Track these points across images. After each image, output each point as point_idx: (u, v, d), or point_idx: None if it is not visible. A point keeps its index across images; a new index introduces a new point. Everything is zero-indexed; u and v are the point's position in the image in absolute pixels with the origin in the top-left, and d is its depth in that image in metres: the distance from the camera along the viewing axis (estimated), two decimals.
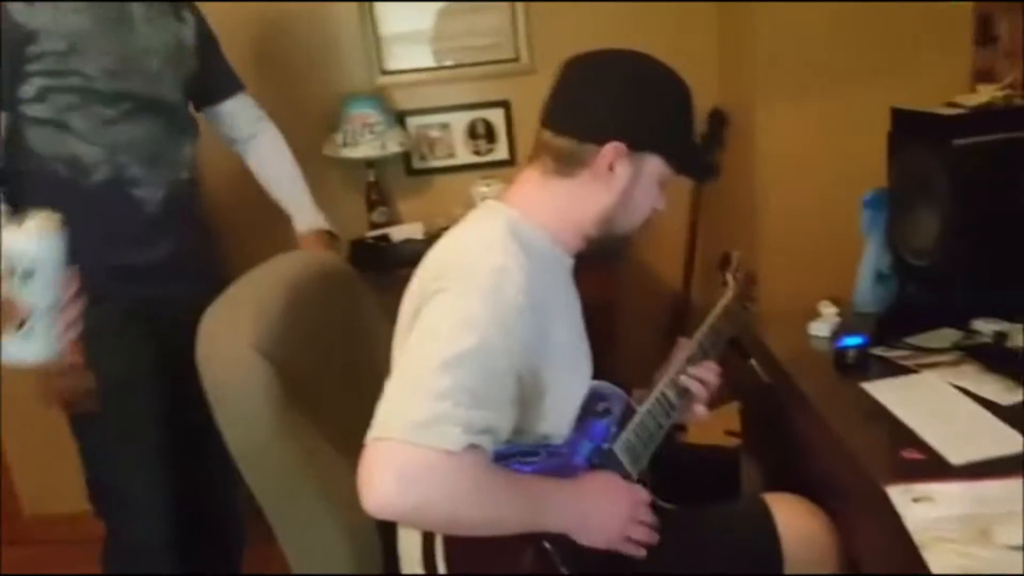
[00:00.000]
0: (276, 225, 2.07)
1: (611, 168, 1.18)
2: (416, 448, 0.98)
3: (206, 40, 1.87)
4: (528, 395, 1.13)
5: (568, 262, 1.26)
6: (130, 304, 1.68)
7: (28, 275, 1.33)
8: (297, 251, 1.50)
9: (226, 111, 1.96)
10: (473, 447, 1.01)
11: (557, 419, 1.19)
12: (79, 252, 1.51)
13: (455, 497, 1.01)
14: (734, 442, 2.01)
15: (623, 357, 2.46)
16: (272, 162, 2.03)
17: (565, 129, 1.19)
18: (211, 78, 1.89)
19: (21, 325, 1.33)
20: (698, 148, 1.26)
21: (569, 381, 1.21)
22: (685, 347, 1.41)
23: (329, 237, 2.02)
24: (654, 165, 1.20)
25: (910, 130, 1.62)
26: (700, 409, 1.36)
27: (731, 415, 2.11)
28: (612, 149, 1.16)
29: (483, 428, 1.02)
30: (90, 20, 1.60)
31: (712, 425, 2.27)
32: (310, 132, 2.57)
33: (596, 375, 1.27)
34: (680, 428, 2.44)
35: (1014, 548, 0.98)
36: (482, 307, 1.06)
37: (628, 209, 1.21)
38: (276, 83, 2.58)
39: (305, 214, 2.01)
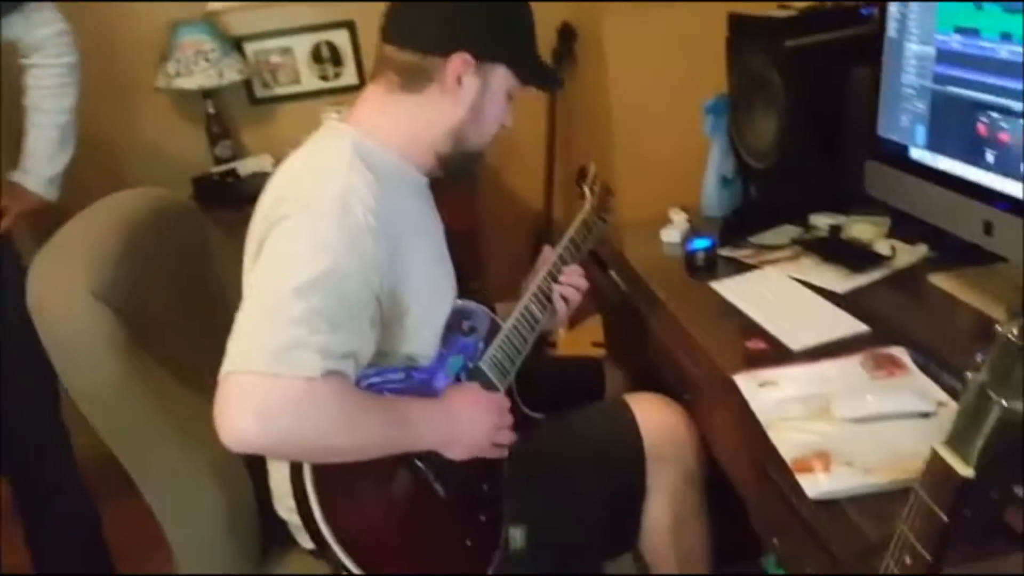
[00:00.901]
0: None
1: (459, 81, 1.15)
2: (274, 379, 0.96)
3: None
4: (388, 316, 1.12)
5: (421, 180, 1.24)
6: None
7: None
8: (129, 190, 1.40)
9: (6, 29, 1.66)
10: (333, 373, 0.99)
11: (421, 339, 1.19)
12: None
13: (319, 425, 1.00)
14: (601, 353, 2.08)
15: (490, 277, 2.49)
16: (37, 97, 1.73)
17: (409, 43, 1.15)
18: None
19: None
20: (541, 58, 1.25)
21: (431, 300, 1.20)
22: (547, 260, 1.43)
23: (21, 199, 1.74)
24: (501, 76, 1.19)
25: (746, 34, 1.67)
26: (563, 316, 1.38)
27: (597, 328, 2.18)
28: (459, 61, 1.14)
29: (342, 353, 1.01)
30: None
31: (579, 338, 2.35)
32: (140, 63, 2.40)
33: (463, 295, 1.28)
34: (551, 344, 2.50)
35: (851, 420, 1.05)
36: (331, 230, 1.03)
37: (478, 123, 1.20)
38: (101, 12, 2.37)
39: (30, 164, 1.74)
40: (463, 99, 1.17)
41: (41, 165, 1.70)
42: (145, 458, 1.20)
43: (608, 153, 2.36)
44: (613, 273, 1.71)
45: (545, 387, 1.42)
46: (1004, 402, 0.62)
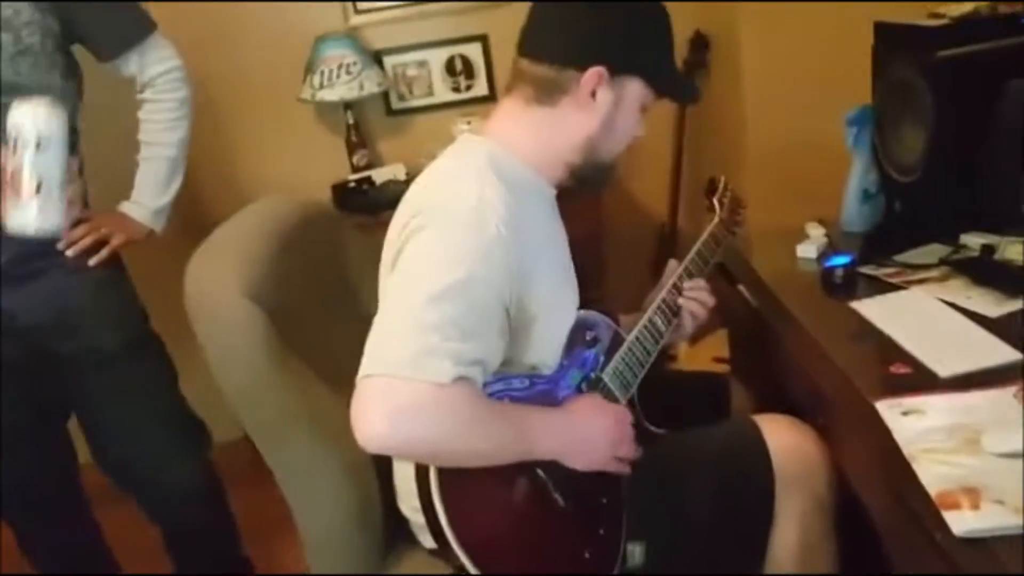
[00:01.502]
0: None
1: (593, 94, 1.16)
2: (406, 382, 0.98)
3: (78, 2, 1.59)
4: (515, 325, 1.13)
5: (551, 192, 1.25)
6: None
7: (43, 147, 1.43)
8: (276, 195, 1.47)
9: (123, 67, 1.70)
10: (463, 379, 1.01)
11: (545, 349, 1.19)
12: None
13: (447, 429, 1.02)
14: (723, 368, 2.03)
15: (612, 287, 2.48)
16: (149, 131, 1.75)
17: (544, 56, 1.17)
18: (97, 30, 1.64)
19: (32, 194, 1.44)
20: (678, 70, 1.24)
21: (556, 311, 1.20)
22: (673, 272, 1.42)
23: (125, 228, 1.73)
24: (636, 89, 1.19)
25: (893, 44, 1.59)
26: (688, 331, 1.37)
27: (719, 342, 2.13)
28: (594, 74, 1.14)
29: (472, 360, 1.02)
30: None
31: (701, 353, 2.30)
32: (286, 77, 2.53)
33: (584, 305, 1.28)
34: (670, 358, 2.47)
35: (1002, 455, 0.99)
36: (465, 240, 1.05)
37: (611, 136, 1.20)
38: (249, 28, 2.52)
39: (140, 196, 1.76)
40: (597, 112, 1.17)
41: (149, 197, 1.74)
42: (285, 450, 1.26)
43: (741, 163, 2.32)
44: (742, 288, 1.66)
45: (668, 401, 1.40)
46: None
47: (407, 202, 1.16)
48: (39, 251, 1.59)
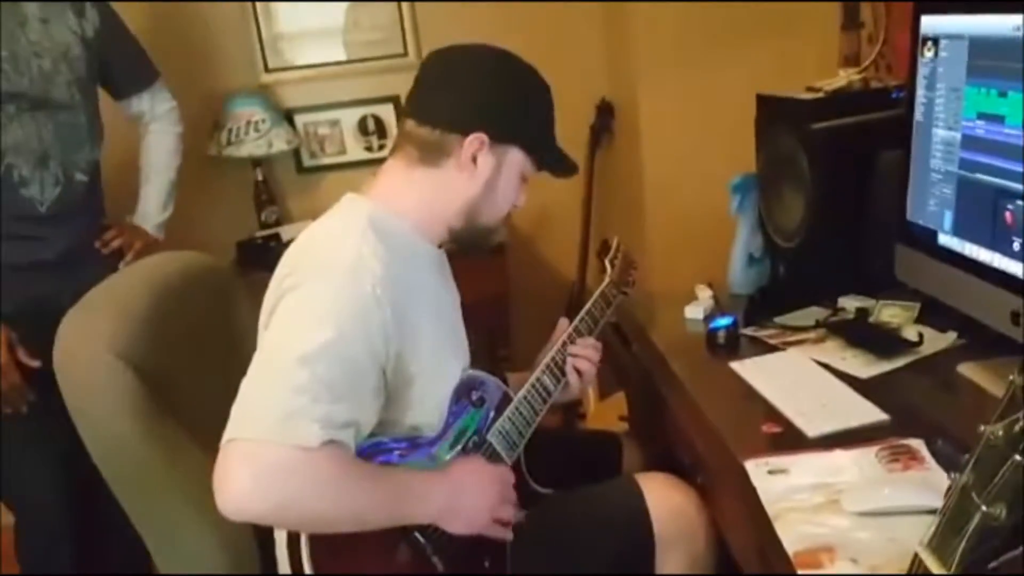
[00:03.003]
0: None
1: (474, 159, 1.18)
2: (273, 446, 0.97)
3: (112, 36, 1.88)
4: (393, 386, 1.12)
5: (433, 252, 1.26)
6: (24, 302, 1.70)
7: None
8: (161, 253, 1.45)
9: (136, 104, 2.02)
10: (333, 442, 1.00)
11: (426, 410, 1.19)
12: None
13: (315, 495, 1.00)
14: (624, 428, 2.05)
15: (520, 346, 2.49)
16: (155, 158, 2.08)
17: (429, 119, 1.19)
18: (120, 73, 1.94)
19: None
20: (556, 144, 1.27)
21: (437, 371, 1.20)
22: (563, 331, 1.43)
23: (142, 236, 2.02)
24: (516, 158, 1.21)
25: (773, 115, 1.67)
26: (575, 389, 1.38)
27: (624, 401, 2.15)
28: (475, 140, 1.17)
29: (343, 423, 1.01)
30: None
31: (608, 411, 2.32)
32: (194, 131, 2.50)
33: (489, 365, 1.28)
34: (580, 416, 2.48)
35: (861, 514, 1.01)
36: (338, 299, 1.05)
37: (491, 201, 1.22)
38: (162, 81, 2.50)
39: (148, 213, 2.06)
40: (478, 176, 1.19)
41: (156, 212, 2.05)
42: (153, 518, 1.22)
43: (640, 226, 2.38)
44: (635, 348, 1.69)
45: (560, 460, 1.41)
46: (984, 507, 0.59)
47: (285, 259, 1.16)
48: (86, 247, 1.84)
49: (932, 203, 1.39)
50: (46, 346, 1.64)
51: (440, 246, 1.26)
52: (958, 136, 1.31)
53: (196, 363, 1.37)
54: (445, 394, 1.21)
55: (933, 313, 1.46)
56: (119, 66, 1.93)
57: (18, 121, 1.68)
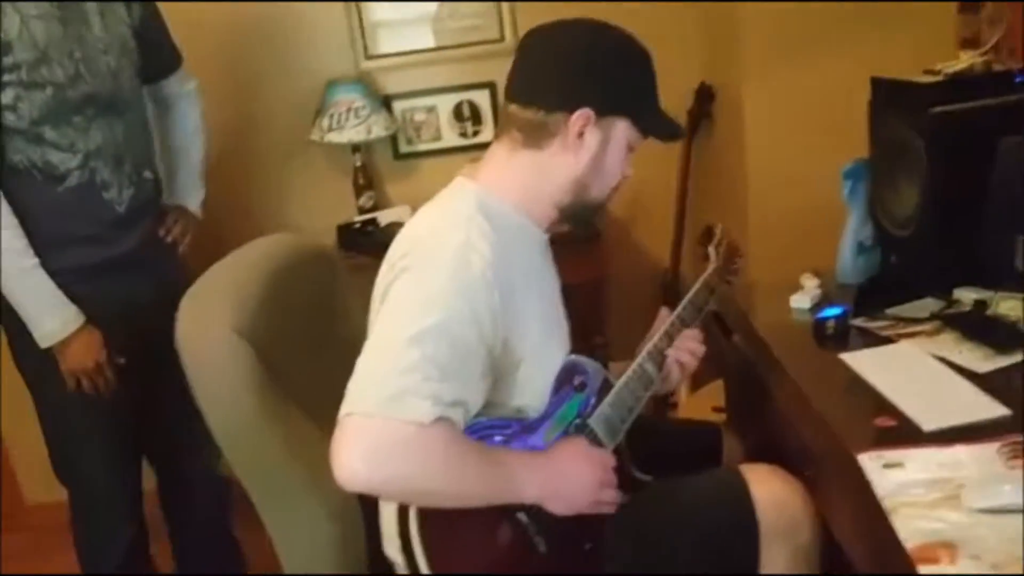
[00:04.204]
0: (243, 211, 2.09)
1: (580, 136, 1.18)
2: (386, 421, 0.99)
3: (153, 20, 1.85)
4: (501, 368, 1.14)
5: (541, 236, 1.26)
6: (100, 300, 1.69)
7: None
8: (275, 235, 1.50)
9: (165, 86, 1.94)
10: (443, 420, 1.02)
11: (532, 392, 1.20)
12: (50, 255, 1.62)
13: (425, 469, 1.02)
14: (720, 418, 2.02)
15: (614, 333, 2.48)
16: (184, 139, 1.99)
17: (532, 100, 1.19)
18: (157, 57, 1.87)
19: None
20: (662, 110, 1.26)
21: (543, 354, 1.21)
22: (665, 320, 1.42)
23: (191, 219, 1.97)
24: (622, 129, 1.21)
25: (889, 99, 1.61)
26: (675, 380, 1.37)
27: (718, 392, 2.12)
28: (581, 116, 1.16)
29: (452, 401, 1.03)
30: (55, 25, 1.58)
31: (701, 402, 2.30)
32: (296, 118, 2.59)
33: (584, 351, 1.28)
34: (672, 406, 2.46)
35: (982, 511, 0.98)
36: (448, 282, 1.07)
37: (600, 176, 1.22)
38: (261, 70, 2.59)
39: (188, 192, 1.99)
40: (585, 153, 1.19)
41: (195, 191, 1.99)
42: (269, 488, 1.26)
43: (742, 213, 2.33)
44: (737, 338, 1.66)
45: (659, 449, 1.40)
46: None
47: (397, 242, 1.18)
48: (154, 240, 1.83)
49: None
50: (128, 343, 1.73)
51: (550, 228, 1.26)
52: None
53: (304, 342, 1.41)
54: (549, 378, 1.22)
55: None
56: (158, 50, 1.86)
57: (96, 124, 1.66)
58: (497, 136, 1.24)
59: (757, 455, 1.45)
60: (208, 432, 1.83)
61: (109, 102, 1.68)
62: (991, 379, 1.26)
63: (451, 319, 1.05)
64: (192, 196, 1.98)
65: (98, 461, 1.79)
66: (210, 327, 1.24)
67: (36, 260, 1.61)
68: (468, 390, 1.07)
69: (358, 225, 2.52)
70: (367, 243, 2.41)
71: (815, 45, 2.17)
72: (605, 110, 1.18)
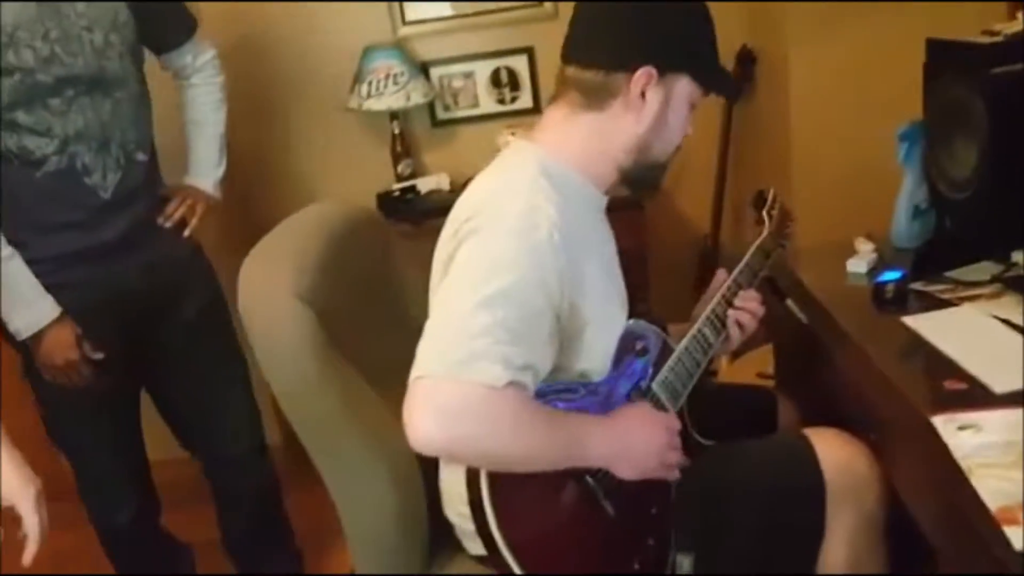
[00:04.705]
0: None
1: (643, 95, 1.16)
2: (458, 384, 1.00)
3: None
4: (566, 332, 1.14)
5: (601, 199, 1.26)
6: (84, 288, 1.65)
7: None
8: (326, 201, 1.50)
9: (177, 57, 1.85)
10: (514, 383, 1.02)
11: (595, 357, 1.20)
12: (30, 242, 1.60)
13: (496, 432, 1.03)
14: (767, 384, 2.01)
15: (655, 300, 2.47)
16: (201, 112, 1.89)
17: (592, 61, 1.17)
18: (163, 27, 1.78)
19: None
20: (722, 65, 1.24)
21: (606, 318, 1.21)
22: (722, 283, 1.41)
23: (204, 199, 1.88)
24: (684, 86, 1.19)
25: (945, 60, 1.57)
26: (735, 342, 1.37)
27: (761, 358, 2.11)
28: (644, 74, 1.15)
29: (523, 364, 1.03)
30: (28, 5, 1.51)
31: (742, 368, 2.29)
32: (334, 85, 2.57)
33: (634, 317, 1.28)
34: (711, 373, 2.45)
35: None
36: (516, 245, 1.06)
37: (662, 134, 1.20)
38: (298, 37, 2.57)
39: (203, 170, 1.90)
40: (647, 112, 1.17)
41: (211, 169, 1.89)
42: (331, 451, 1.28)
43: (787, 178, 2.30)
44: (790, 302, 1.65)
45: (716, 413, 1.39)
46: None
47: (460, 206, 1.17)
48: (147, 224, 1.73)
49: None
50: (117, 328, 1.70)
51: (609, 190, 1.25)
52: None
53: (362, 308, 1.42)
54: (612, 342, 1.22)
55: None
56: (162, 20, 1.76)
57: (76, 106, 1.57)
58: (554, 99, 1.23)
59: (810, 419, 1.45)
60: (250, 414, 1.90)
61: (93, 82, 1.59)
62: None
63: (520, 283, 1.04)
64: (207, 174, 1.89)
65: (90, 444, 1.79)
66: (272, 293, 1.24)
67: (11, 250, 1.57)
68: (537, 354, 1.07)
69: (397, 193, 2.51)
70: (408, 210, 2.41)
71: (861, 7, 2.13)
72: (667, 67, 1.16)
